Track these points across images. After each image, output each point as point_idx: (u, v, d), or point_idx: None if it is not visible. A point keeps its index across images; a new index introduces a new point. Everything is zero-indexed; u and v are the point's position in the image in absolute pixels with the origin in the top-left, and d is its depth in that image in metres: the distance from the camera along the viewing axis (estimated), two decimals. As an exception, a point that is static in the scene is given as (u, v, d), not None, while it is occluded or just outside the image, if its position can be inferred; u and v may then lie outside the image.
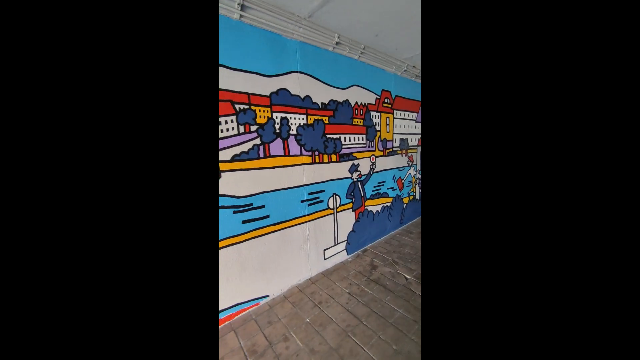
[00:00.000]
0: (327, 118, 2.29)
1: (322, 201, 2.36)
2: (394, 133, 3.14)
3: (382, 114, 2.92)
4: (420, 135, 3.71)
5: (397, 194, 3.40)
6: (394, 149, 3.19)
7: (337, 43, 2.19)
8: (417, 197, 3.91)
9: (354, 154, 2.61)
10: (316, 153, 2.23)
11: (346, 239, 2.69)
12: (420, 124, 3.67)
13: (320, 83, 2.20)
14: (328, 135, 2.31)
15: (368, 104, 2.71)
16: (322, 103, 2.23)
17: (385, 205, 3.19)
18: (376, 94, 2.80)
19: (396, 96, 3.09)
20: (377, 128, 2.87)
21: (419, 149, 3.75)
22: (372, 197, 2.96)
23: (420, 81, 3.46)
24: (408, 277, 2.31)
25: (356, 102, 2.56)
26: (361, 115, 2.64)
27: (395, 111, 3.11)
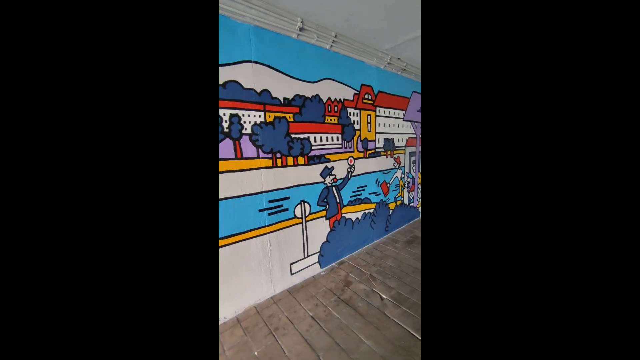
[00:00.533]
0: (291, 115, 2.01)
1: (286, 209, 2.08)
2: (376, 132, 2.85)
3: (362, 112, 2.63)
4: (408, 135, 3.42)
5: (382, 199, 3.11)
6: (377, 150, 2.90)
7: (301, 29, 1.91)
8: (406, 201, 3.61)
9: (326, 156, 2.33)
10: (278, 155, 1.95)
11: (319, 250, 2.42)
12: (409, 123, 3.37)
13: (282, 75, 1.92)
14: (293, 135, 2.04)
15: (344, 100, 2.42)
16: (284, 98, 1.95)
17: (367, 212, 2.91)
18: (354, 89, 2.51)
19: (379, 92, 2.80)
20: (356, 127, 2.58)
21: (408, 149, 3.45)
22: (351, 203, 2.68)
23: (407, 75, 3.16)
24: (384, 297, 2.03)
25: (329, 98, 2.28)
26: (336, 112, 2.35)
27: (378, 108, 2.82)
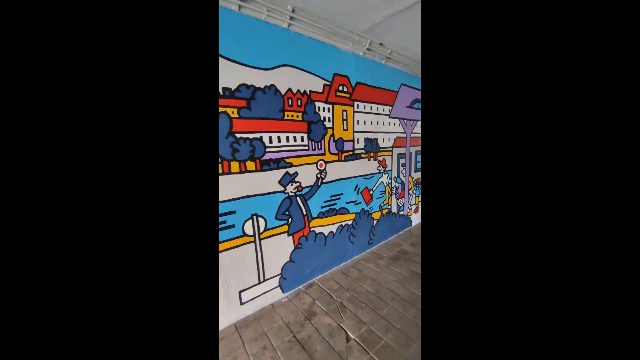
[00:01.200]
0: (235, 110, 1.61)
1: (232, 226, 1.69)
2: (355, 131, 2.43)
3: (336, 106, 2.22)
4: (396, 135, 2.99)
5: (363, 209, 2.70)
6: (356, 151, 2.49)
7: (242, -1, 1.51)
8: (394, 210, 3.19)
9: (287, 160, 1.92)
10: (217, 160, 1.56)
11: (279, 273, 2.02)
12: (396, 120, 2.95)
13: (221, 59, 1.52)
14: (239, 135, 1.64)
15: (311, 92, 2.01)
16: (224, 88, 1.55)
17: (344, 224, 2.50)
18: (325, 80, 2.10)
19: (357, 83, 2.38)
20: (328, 124, 2.17)
21: (396, 151, 3.02)
22: (322, 215, 2.28)
23: (393, 65, 2.74)
24: (351, 336, 1.63)
25: (290, 90, 1.87)
26: (299, 107, 1.95)
27: (356, 103, 2.40)
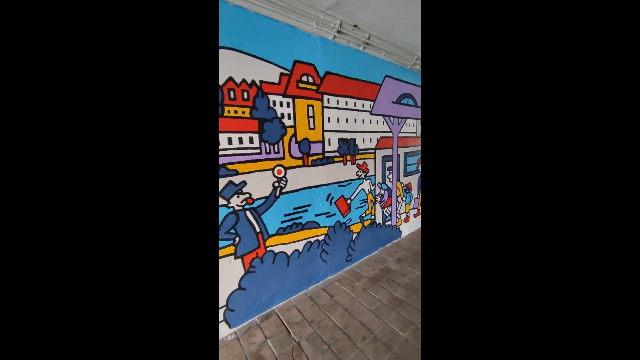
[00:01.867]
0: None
1: (149, 253, 1.33)
2: (325, 130, 2.05)
3: (298, 101, 1.84)
4: (380, 134, 2.60)
5: (339, 221, 2.32)
6: (328, 154, 2.11)
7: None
8: (379, 220, 2.80)
9: (230, 166, 1.55)
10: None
11: (225, 304, 1.65)
12: (379, 118, 2.56)
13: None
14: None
15: (262, 82, 1.64)
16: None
17: (313, 240, 2.12)
18: (281, 67, 1.72)
19: (327, 73, 2.00)
20: (287, 122, 1.80)
21: (380, 153, 2.63)
22: (283, 231, 1.90)
23: (374, 53, 2.34)
24: (299, 397, 1.25)
25: (231, 79, 1.50)
26: (246, 100, 1.58)
27: (326, 97, 2.02)
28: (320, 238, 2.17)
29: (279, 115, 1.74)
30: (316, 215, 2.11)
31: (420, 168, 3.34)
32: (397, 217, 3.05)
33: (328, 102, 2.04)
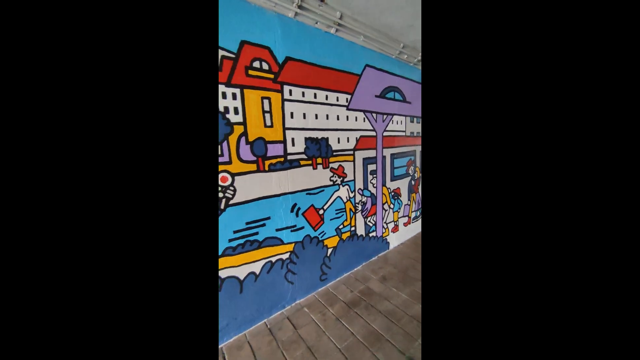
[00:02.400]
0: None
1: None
2: (287, 128, 1.71)
3: (249, 92, 1.50)
4: (361, 133, 2.25)
5: (309, 235, 1.97)
6: (291, 157, 1.77)
7: None
8: (361, 232, 2.44)
9: (149, 174, 1.22)
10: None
11: (149, 348, 1.32)
12: (359, 114, 2.21)
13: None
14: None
15: (196, 67, 1.31)
16: None
17: (275, 259, 1.78)
18: (223, 49, 1.38)
19: (288, 59, 1.66)
20: (234, 119, 1.46)
21: (361, 154, 2.28)
22: (234, 250, 1.56)
23: (351, 38, 2.00)
24: None
25: (148, 60, 1.17)
26: (172, 89, 1.24)
27: (287, 87, 1.68)
28: (285, 256, 1.83)
29: (220, 109, 1.40)
30: (277, 230, 1.76)
31: (410, 171, 2.98)
32: (383, 227, 2.70)
33: (290, 94, 1.70)
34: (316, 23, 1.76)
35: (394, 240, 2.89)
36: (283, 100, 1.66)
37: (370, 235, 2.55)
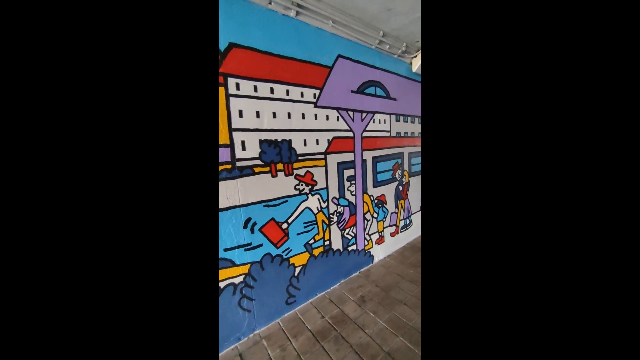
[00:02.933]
0: None
1: None
2: (233, 130, 1.43)
3: (180, 85, 1.24)
4: (334, 134, 1.97)
5: (269, 254, 1.69)
6: (242, 163, 1.49)
7: None
8: (337, 246, 2.15)
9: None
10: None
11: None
12: (331, 112, 1.93)
13: None
14: None
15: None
16: None
17: (224, 284, 1.49)
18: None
19: (233, 46, 1.38)
20: (159, 118, 1.19)
21: (334, 158, 2.00)
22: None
23: (319, 24, 1.72)
24: None
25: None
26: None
27: (233, 80, 1.41)
28: (237, 280, 1.55)
29: (138, 105, 1.13)
30: (226, 250, 1.48)
31: (397, 176, 2.69)
32: (365, 238, 2.40)
33: (237, 89, 1.42)
34: (269, 3, 1.48)
35: (380, 253, 2.60)
36: (227, 95, 1.39)
37: (350, 249, 2.26)
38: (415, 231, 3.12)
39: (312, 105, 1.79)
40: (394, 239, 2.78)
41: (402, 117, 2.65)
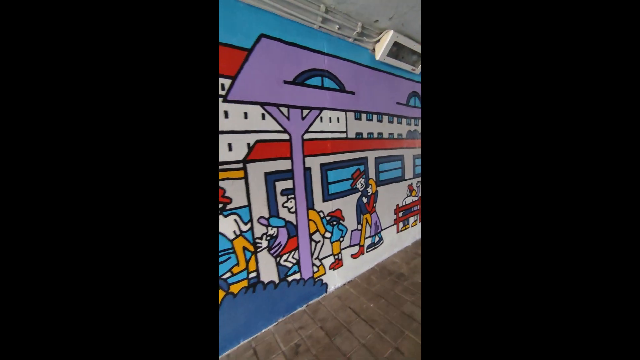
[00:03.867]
0: None
1: None
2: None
3: None
4: (256, 137, 1.53)
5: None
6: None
7: None
8: (271, 277, 1.71)
9: None
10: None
11: None
12: (255, 108, 1.49)
13: None
14: None
15: None
16: None
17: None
18: None
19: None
20: None
21: (260, 167, 1.56)
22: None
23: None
24: None
25: None
26: None
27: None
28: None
29: None
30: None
31: (359, 185, 2.23)
32: (314, 264, 1.96)
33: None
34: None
35: (336, 280, 2.14)
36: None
37: (290, 279, 1.82)
38: (387, 250, 2.65)
39: (220, 99, 1.36)
40: (357, 261, 2.32)
41: (364, 115, 2.20)
